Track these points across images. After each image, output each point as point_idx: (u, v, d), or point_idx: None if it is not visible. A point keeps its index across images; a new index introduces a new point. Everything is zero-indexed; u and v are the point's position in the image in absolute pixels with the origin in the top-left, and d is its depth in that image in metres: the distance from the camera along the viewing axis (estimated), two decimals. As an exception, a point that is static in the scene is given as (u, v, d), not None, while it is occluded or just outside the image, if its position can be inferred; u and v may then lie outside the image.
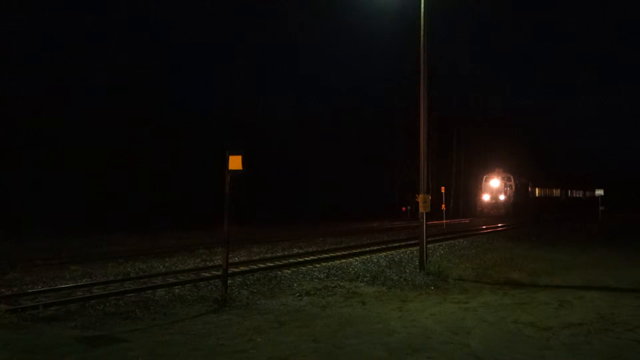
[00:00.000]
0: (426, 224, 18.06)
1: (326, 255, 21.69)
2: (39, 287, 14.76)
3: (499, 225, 43.48)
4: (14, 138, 42.08)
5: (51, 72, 46.24)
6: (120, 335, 10.07)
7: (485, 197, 58.67)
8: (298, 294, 13.91)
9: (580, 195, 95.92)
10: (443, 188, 42.45)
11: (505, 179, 59.58)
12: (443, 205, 39.26)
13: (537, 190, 69.69)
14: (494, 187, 58.60)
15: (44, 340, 9.74)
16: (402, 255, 21.87)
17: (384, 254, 22.50)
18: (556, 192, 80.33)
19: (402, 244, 26.22)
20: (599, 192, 51.55)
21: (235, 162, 12.71)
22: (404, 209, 59.14)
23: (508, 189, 59.19)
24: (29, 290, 14.19)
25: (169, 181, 48.83)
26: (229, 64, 71.15)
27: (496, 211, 57.06)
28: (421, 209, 17.93)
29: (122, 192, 45.44)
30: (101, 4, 58.42)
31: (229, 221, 13.11)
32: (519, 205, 60.14)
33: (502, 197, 58.24)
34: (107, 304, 12.75)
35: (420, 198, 18.09)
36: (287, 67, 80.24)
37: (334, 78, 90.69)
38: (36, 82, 45.22)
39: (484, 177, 59.83)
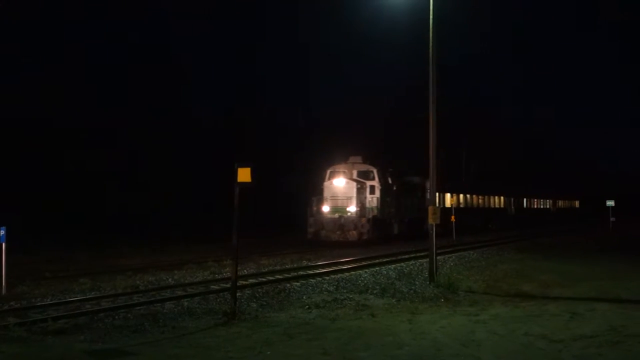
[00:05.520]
0: (435, 235, 17.97)
1: (335, 268, 21.60)
2: (48, 300, 14.75)
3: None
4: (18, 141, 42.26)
5: (51, 77, 46.61)
6: (129, 349, 10.04)
7: (325, 209, 32.65)
8: (307, 306, 13.85)
9: (548, 206, 70.80)
10: (453, 200, 42.22)
11: (362, 174, 33.97)
12: (452, 217, 38.68)
13: (448, 197, 43.30)
14: (339, 190, 32.68)
15: (52, 354, 9.73)
16: (411, 267, 21.78)
17: (394, 265, 22.41)
18: (497, 202, 55.20)
19: (412, 255, 26.07)
20: (610, 202, 50.74)
21: (244, 175, 12.65)
22: None
23: (367, 192, 33.35)
24: (38, 304, 14.17)
25: (173, 193, 48.81)
26: (234, 67, 71.61)
27: (341, 234, 31.78)
28: (430, 221, 17.87)
29: (123, 203, 45.51)
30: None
31: (239, 234, 13.07)
32: (399, 223, 35.57)
33: (352, 209, 32.27)
34: (116, 317, 12.72)
35: (430, 210, 18.04)
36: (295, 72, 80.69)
37: (339, 84, 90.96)
38: (38, 88, 45.60)
39: (327, 173, 33.88)
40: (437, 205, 40.18)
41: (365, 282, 17.74)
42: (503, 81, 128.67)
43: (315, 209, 32.93)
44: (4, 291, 15.65)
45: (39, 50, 48.92)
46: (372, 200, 33.18)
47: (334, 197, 32.59)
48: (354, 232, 31.58)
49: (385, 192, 34.12)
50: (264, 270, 20.83)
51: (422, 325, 11.78)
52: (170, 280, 18.45)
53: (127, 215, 44.14)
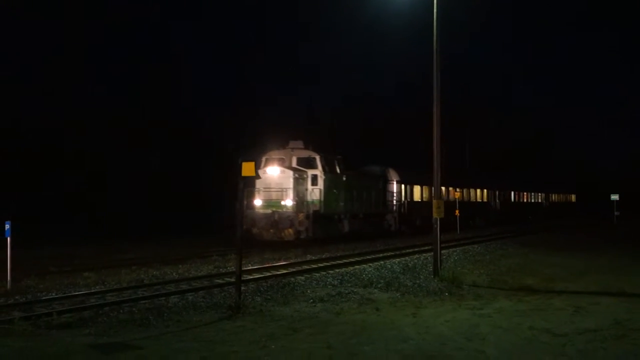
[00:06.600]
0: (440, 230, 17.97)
1: (339, 262, 21.64)
2: (53, 294, 14.78)
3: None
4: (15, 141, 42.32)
5: (52, 75, 46.67)
6: (133, 342, 10.07)
7: (257, 203, 28.33)
8: (312, 300, 13.87)
9: (540, 200, 67.18)
10: (458, 194, 42.18)
11: (303, 162, 29.41)
12: (457, 211, 38.66)
13: (417, 190, 39.72)
14: (273, 180, 28.08)
15: (57, 348, 9.75)
16: (415, 261, 21.78)
17: (398, 260, 22.42)
18: (479, 195, 51.04)
19: (416, 249, 26.11)
20: (614, 197, 50.76)
21: (248, 169, 12.70)
22: None
23: (307, 183, 28.83)
24: (43, 298, 14.20)
25: (173, 187, 48.79)
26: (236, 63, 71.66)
27: (275, 233, 27.48)
28: (435, 215, 17.85)
29: (123, 198, 45.53)
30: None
31: (242, 227, 13.09)
32: (351, 219, 31.05)
33: (288, 202, 27.87)
34: (121, 311, 12.75)
35: (434, 204, 18.02)
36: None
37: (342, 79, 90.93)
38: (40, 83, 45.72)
39: (262, 160, 29.13)
40: (405, 199, 37.76)
41: (370, 276, 17.75)
42: (504, 70, 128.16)
43: (245, 202, 26.99)
44: (9, 285, 15.68)
45: (39, 48, 49.05)
46: (314, 192, 28.47)
47: (267, 189, 27.84)
48: (290, 230, 27.16)
49: (332, 183, 29.35)
50: (267, 265, 20.86)
51: (427, 319, 11.79)
52: (174, 274, 18.50)
53: (129, 210, 44.20)
